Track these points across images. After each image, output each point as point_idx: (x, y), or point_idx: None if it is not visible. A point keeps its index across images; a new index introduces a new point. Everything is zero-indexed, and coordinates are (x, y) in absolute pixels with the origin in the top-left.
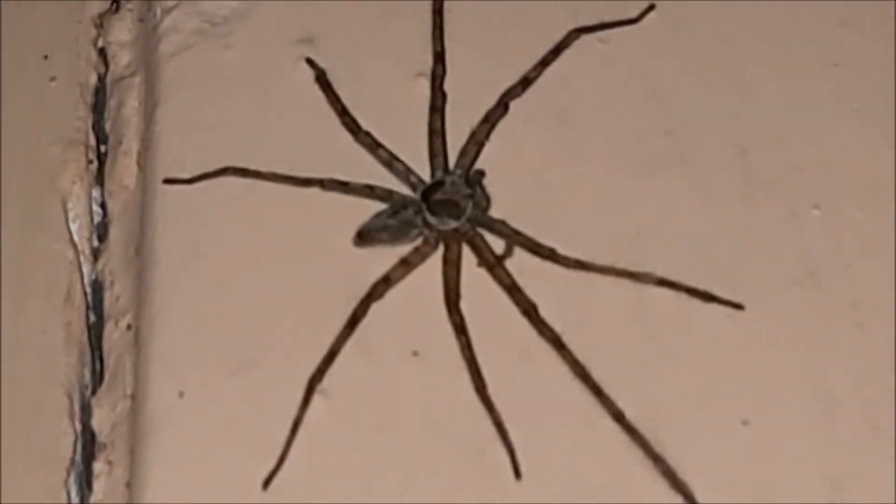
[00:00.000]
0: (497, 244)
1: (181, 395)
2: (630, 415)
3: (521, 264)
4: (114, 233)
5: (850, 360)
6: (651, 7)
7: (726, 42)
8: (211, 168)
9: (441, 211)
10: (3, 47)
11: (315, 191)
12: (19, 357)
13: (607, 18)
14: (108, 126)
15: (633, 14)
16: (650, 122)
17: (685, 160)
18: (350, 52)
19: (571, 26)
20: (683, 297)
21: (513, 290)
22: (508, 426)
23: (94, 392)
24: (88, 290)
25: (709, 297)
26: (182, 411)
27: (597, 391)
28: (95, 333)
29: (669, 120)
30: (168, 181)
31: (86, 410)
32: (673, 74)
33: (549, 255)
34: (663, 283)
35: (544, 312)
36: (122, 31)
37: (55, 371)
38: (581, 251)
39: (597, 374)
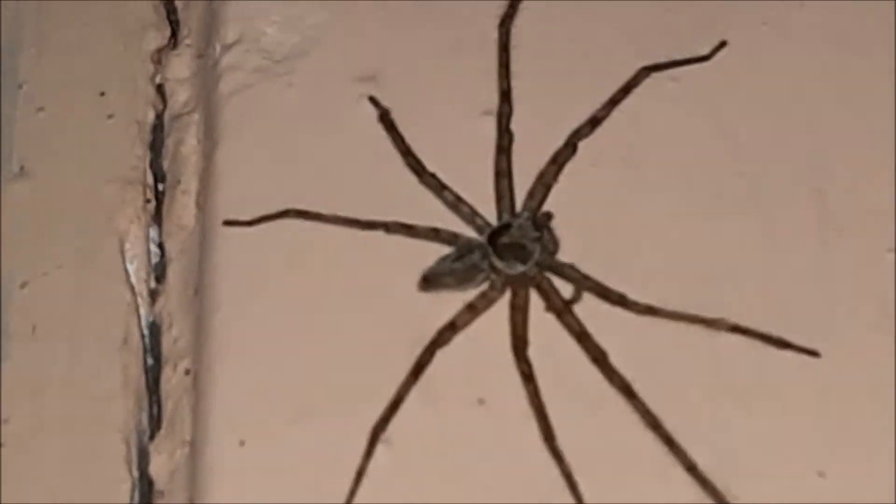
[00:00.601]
0: (565, 289)
1: (242, 443)
2: (703, 465)
3: (590, 310)
4: (172, 274)
5: None
6: (723, 44)
7: (801, 80)
8: (272, 209)
9: (508, 255)
10: (59, 84)
11: (379, 234)
12: (76, 401)
13: (678, 56)
14: (165, 164)
15: (705, 51)
16: (722, 162)
17: (759, 202)
18: (414, 90)
19: (641, 64)
20: (757, 343)
21: (582, 336)
22: (578, 477)
23: (151, 437)
24: (146, 332)
25: (783, 344)
26: (243, 460)
27: (668, 441)
28: (153, 377)
29: (742, 160)
30: (228, 223)
31: (143, 457)
32: (746, 113)
33: (619, 300)
34: (736, 329)
35: (614, 360)
36: (180, 67)
37: (112, 416)
38: (652, 296)
39: (668, 424)
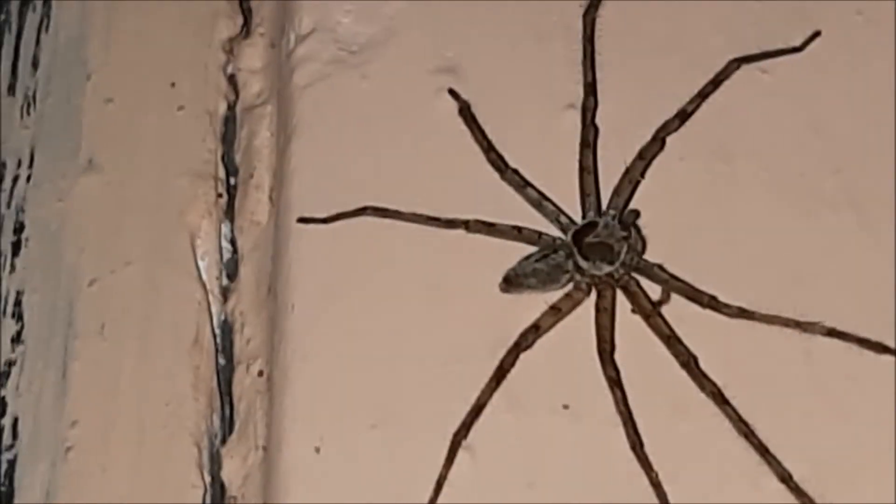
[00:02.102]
0: (653, 290)
1: (317, 449)
2: (797, 475)
3: (679, 312)
4: (244, 271)
5: None
6: (816, 34)
7: None
8: (347, 205)
9: (593, 254)
10: (128, 74)
11: (459, 232)
12: (146, 403)
13: (770, 47)
14: (237, 157)
15: (798, 42)
16: (816, 158)
17: (854, 199)
18: (495, 83)
19: (731, 55)
20: (854, 348)
21: (671, 340)
22: (666, 487)
23: (223, 441)
24: (218, 331)
25: (882, 349)
26: (318, 466)
27: (762, 450)
28: (225, 378)
29: (837, 156)
30: (302, 220)
31: (215, 461)
32: (841, 107)
33: (710, 302)
34: (833, 333)
35: (705, 364)
36: (253, 57)
37: (183, 418)
38: (744, 298)
39: (761, 431)
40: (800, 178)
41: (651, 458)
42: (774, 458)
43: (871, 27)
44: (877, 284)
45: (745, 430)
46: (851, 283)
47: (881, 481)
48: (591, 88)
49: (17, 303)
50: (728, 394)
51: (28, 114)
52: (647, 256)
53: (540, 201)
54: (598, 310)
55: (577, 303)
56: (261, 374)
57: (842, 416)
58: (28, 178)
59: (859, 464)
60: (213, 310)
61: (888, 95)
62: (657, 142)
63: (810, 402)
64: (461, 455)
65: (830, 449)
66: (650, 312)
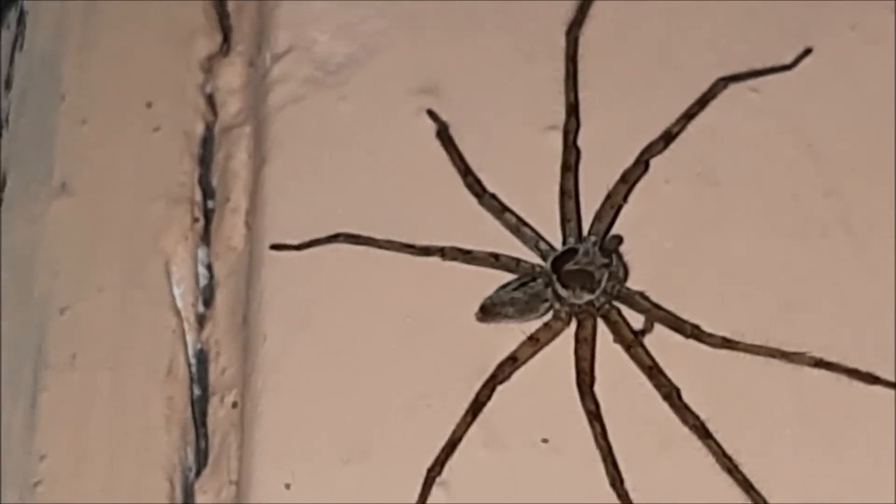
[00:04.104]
0: (635, 319)
1: (288, 486)
2: None
3: (661, 342)
4: (220, 298)
5: None
6: (808, 51)
7: (893, 89)
8: (322, 231)
9: (573, 282)
10: (103, 95)
11: (435, 260)
12: (118, 435)
13: (758, 65)
14: (214, 180)
15: (788, 59)
16: (808, 180)
17: (848, 223)
18: (475, 104)
19: (718, 74)
20: (844, 379)
21: (653, 371)
22: None
23: (197, 474)
24: (193, 361)
25: (872, 379)
26: (289, 503)
27: (746, 486)
28: (199, 409)
29: (830, 178)
30: (275, 247)
31: (188, 494)
32: (834, 126)
33: (693, 332)
34: (821, 363)
35: (687, 397)
36: (232, 75)
37: (156, 451)
38: (729, 328)
39: (746, 466)
40: (791, 200)
41: (631, 493)
42: (759, 494)
43: (866, 43)
44: (872, 312)
45: (729, 465)
46: (845, 311)
47: None
48: (573, 109)
49: None
50: (711, 427)
51: (0, 136)
52: (629, 284)
53: (518, 227)
54: (577, 340)
55: (557, 333)
56: (235, 405)
57: (832, 451)
58: None
59: (851, 501)
60: (188, 338)
61: (883, 114)
62: (641, 164)
63: (798, 436)
64: (436, 491)
65: (819, 485)
66: (632, 342)
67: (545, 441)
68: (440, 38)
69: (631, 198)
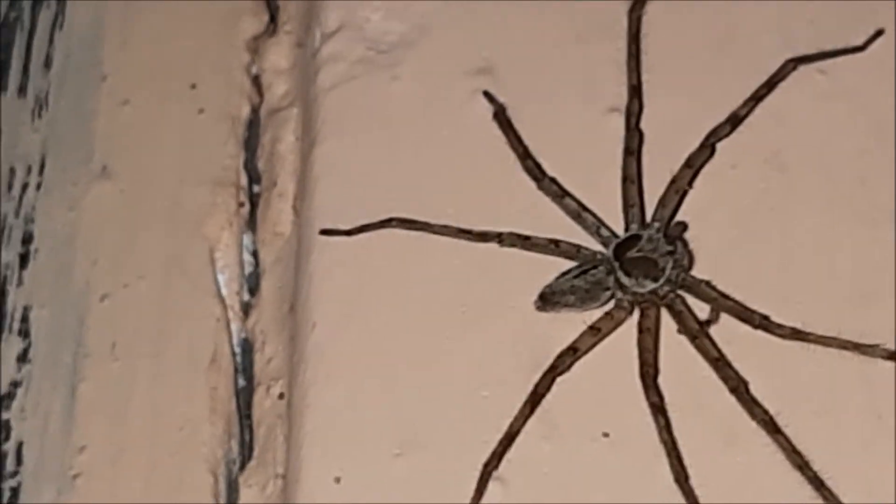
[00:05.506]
0: (701, 309)
1: (338, 479)
2: None
3: (729, 333)
4: (266, 286)
5: None
6: (880, 32)
7: None
8: (374, 216)
9: (636, 270)
10: (146, 76)
11: (492, 246)
12: (159, 427)
13: (828, 46)
14: (261, 164)
15: (859, 40)
16: (878, 165)
17: None
18: (533, 85)
19: (787, 55)
20: None
21: (719, 363)
22: None
23: (242, 467)
24: (237, 350)
25: None
26: (339, 498)
27: (817, 483)
28: (244, 401)
29: None
30: (325, 232)
31: (232, 490)
32: None
33: (762, 323)
34: (894, 356)
35: (756, 390)
36: (278, 56)
37: (198, 444)
38: (799, 318)
39: (817, 463)
40: (860, 186)
41: (697, 490)
42: (831, 492)
43: None
44: None
45: (800, 462)
46: None
47: None
48: (635, 91)
49: (24, 318)
50: (781, 422)
51: (39, 117)
52: (694, 272)
53: (579, 212)
54: (640, 330)
55: (619, 322)
56: (281, 396)
57: None
58: (38, 186)
59: None
60: (233, 327)
61: None
62: (706, 148)
63: (871, 432)
64: (492, 486)
65: (892, 483)
66: (697, 333)
67: (606, 435)
68: (496, 17)
69: (696, 183)
